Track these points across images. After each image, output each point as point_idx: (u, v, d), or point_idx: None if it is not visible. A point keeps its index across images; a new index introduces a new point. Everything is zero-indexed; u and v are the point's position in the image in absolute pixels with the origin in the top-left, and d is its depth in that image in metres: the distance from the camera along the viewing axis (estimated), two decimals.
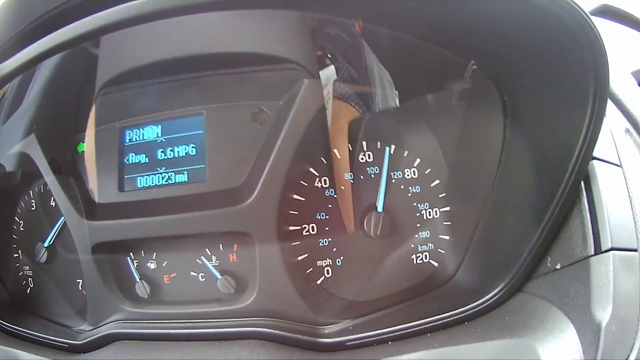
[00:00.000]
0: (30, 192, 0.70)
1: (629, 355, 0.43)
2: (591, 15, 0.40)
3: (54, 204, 0.67)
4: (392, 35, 0.60)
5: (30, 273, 0.70)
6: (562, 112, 0.47)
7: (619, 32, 0.84)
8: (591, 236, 0.46)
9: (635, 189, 0.50)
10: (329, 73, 0.61)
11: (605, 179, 0.48)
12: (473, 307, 0.53)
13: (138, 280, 0.61)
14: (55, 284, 0.69)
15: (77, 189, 0.62)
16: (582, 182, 0.47)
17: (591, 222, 0.46)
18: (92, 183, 0.62)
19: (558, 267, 0.49)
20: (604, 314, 0.43)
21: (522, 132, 0.53)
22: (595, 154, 0.47)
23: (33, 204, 0.70)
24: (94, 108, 0.63)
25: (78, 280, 0.66)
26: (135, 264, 0.62)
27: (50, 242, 0.67)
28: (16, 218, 0.71)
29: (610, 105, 0.61)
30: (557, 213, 0.48)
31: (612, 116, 0.58)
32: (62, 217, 0.65)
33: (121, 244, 0.61)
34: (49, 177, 0.63)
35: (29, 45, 0.45)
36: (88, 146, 0.63)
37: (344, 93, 0.63)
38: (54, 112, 0.69)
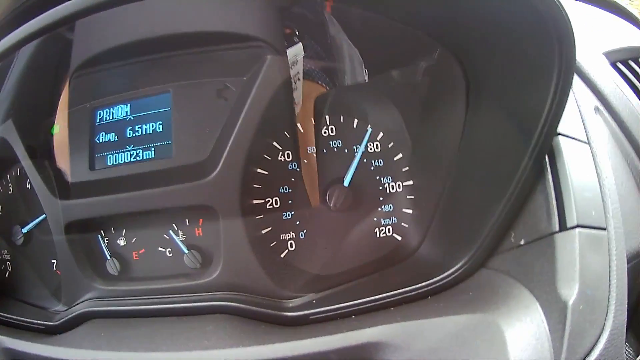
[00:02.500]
0: (7, 176, 0.71)
1: (599, 337, 0.43)
2: None
3: (29, 186, 0.69)
4: (362, 15, 0.62)
5: (8, 257, 0.72)
6: (526, 87, 0.47)
7: (592, 13, 0.85)
8: (556, 212, 0.46)
9: (604, 167, 0.50)
10: (296, 50, 0.62)
11: (571, 155, 0.47)
12: (436, 282, 0.53)
13: (109, 257, 0.62)
14: (32, 266, 0.70)
15: (51, 170, 0.64)
16: (546, 158, 0.47)
17: (556, 198, 0.46)
18: (64, 163, 0.63)
19: (522, 242, 0.49)
20: (570, 292, 0.42)
21: (485, 107, 0.54)
22: (561, 130, 0.47)
23: (10, 188, 0.71)
24: (66, 90, 0.65)
25: (53, 261, 0.68)
26: (105, 241, 0.63)
27: (23, 222, 0.68)
28: None
29: (580, 84, 0.61)
30: (520, 188, 0.48)
31: (581, 94, 0.58)
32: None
33: (92, 221, 0.62)
34: (25, 160, 0.65)
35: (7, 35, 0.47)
36: (60, 127, 0.64)
37: (312, 71, 0.64)
38: (31, 97, 0.70)
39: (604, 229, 0.47)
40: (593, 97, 0.62)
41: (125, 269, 0.63)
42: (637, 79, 0.72)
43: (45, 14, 0.45)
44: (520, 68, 0.47)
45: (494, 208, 0.50)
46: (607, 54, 0.71)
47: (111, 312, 0.60)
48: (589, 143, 0.51)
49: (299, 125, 0.60)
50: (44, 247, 0.68)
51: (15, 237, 0.69)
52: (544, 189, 0.47)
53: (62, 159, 0.63)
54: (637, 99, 0.67)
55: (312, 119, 0.60)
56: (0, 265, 0.73)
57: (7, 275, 0.72)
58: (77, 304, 0.62)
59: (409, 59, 0.64)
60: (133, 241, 0.62)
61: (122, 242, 0.63)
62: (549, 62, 0.42)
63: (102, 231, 0.63)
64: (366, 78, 0.65)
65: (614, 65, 0.70)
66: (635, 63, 0.74)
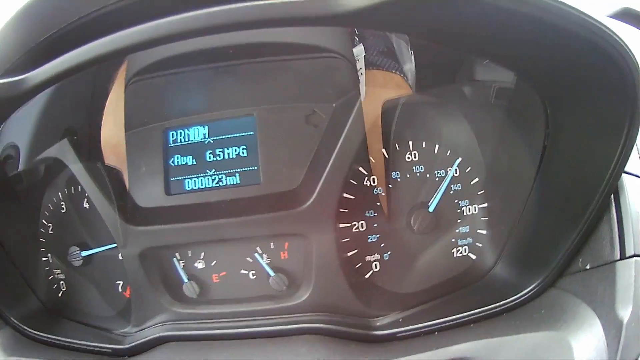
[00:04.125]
0: (59, 194, 0.67)
1: None
2: (610, 18, 0.43)
3: (87, 205, 0.65)
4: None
5: (62, 276, 0.69)
6: (600, 130, 0.52)
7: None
8: (617, 243, 0.51)
9: None
10: (358, 51, 0.62)
11: (632, 191, 0.53)
12: (511, 301, 0.57)
13: (186, 280, 0.62)
14: (91, 286, 0.68)
15: (116, 192, 0.61)
16: (612, 194, 0.53)
17: (618, 231, 0.52)
18: (134, 186, 0.61)
19: (588, 267, 0.55)
20: (625, 313, 0.48)
21: (562, 143, 0.57)
22: (625, 168, 0.52)
23: (63, 206, 0.67)
24: (123, 100, 0.61)
25: (118, 282, 0.66)
26: (182, 264, 0.62)
27: (81, 242, 0.66)
28: (43, 221, 0.68)
29: None
30: (590, 220, 0.52)
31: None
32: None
33: (168, 247, 0.61)
34: (85, 181, 0.61)
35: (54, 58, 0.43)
36: (127, 147, 0.61)
37: (382, 62, 0.65)
38: (74, 100, 0.67)
39: None
40: None
41: (204, 291, 0.62)
42: None
43: (102, 41, 0.42)
44: (598, 112, 0.51)
45: (566, 236, 0.54)
46: None
47: (191, 335, 0.60)
48: None
49: (383, 150, 0.61)
50: (106, 268, 0.66)
51: (73, 259, 0.66)
52: (609, 221, 0.53)
53: (131, 182, 0.61)
54: None
55: (396, 144, 0.61)
56: (53, 285, 0.69)
57: (60, 295, 0.69)
58: (150, 327, 0.62)
59: (474, 75, 0.66)
60: (213, 264, 0.62)
61: (200, 265, 0.62)
62: (623, 110, 0.46)
63: (177, 254, 0.62)
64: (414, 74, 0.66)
65: None
66: None
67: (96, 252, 0.65)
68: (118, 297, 0.66)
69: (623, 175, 0.53)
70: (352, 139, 0.56)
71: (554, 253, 0.56)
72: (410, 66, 0.66)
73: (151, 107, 0.61)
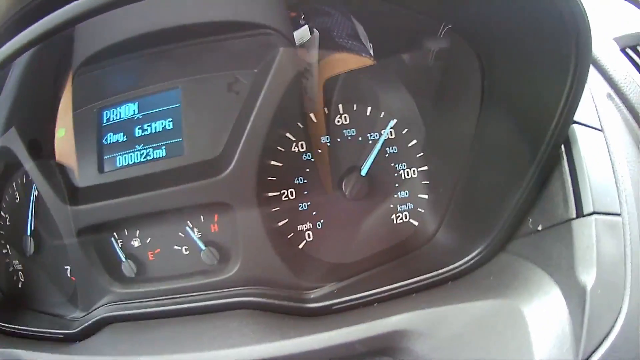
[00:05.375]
0: (14, 184, 0.70)
1: (616, 320, 0.43)
2: None
3: (36, 192, 0.68)
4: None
5: (20, 267, 0.70)
6: (543, 77, 0.48)
7: None
8: (572, 199, 0.46)
9: (617, 153, 0.51)
10: (302, 32, 0.61)
11: (586, 143, 0.48)
12: (456, 267, 0.53)
13: (124, 259, 0.61)
14: (45, 274, 0.69)
15: (59, 175, 0.63)
16: (562, 146, 0.48)
17: (572, 185, 0.47)
18: (72, 167, 0.62)
19: (539, 228, 0.50)
20: (588, 278, 0.43)
21: (500, 95, 0.54)
22: (576, 118, 0.48)
23: (17, 196, 0.70)
24: (69, 90, 0.63)
25: (66, 267, 0.67)
26: (119, 243, 0.62)
27: (32, 230, 0.67)
28: (1, 213, 0.71)
29: (592, 71, 0.61)
30: (538, 175, 0.48)
31: (593, 81, 0.58)
32: (34, 203, 0.66)
33: (105, 225, 0.61)
34: (30, 168, 0.63)
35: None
36: (66, 130, 0.63)
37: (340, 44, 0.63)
38: (33, 101, 0.69)
39: (619, 215, 0.47)
40: (605, 83, 0.62)
41: (141, 270, 0.62)
42: None
43: (49, 17, 0.44)
44: (536, 57, 0.48)
45: (511, 195, 0.50)
46: (617, 40, 0.71)
47: (131, 315, 0.59)
48: (602, 130, 0.51)
49: (311, 115, 0.59)
50: (56, 254, 0.67)
51: (26, 247, 0.68)
52: (561, 176, 0.48)
53: (69, 163, 0.62)
54: None
55: (324, 108, 0.60)
56: (13, 276, 0.71)
57: (19, 285, 0.71)
58: (95, 309, 0.62)
59: (417, 42, 0.64)
60: (148, 241, 0.61)
61: (136, 243, 0.62)
62: (566, 53, 0.43)
63: (114, 233, 0.62)
64: (371, 53, 0.64)
65: (623, 51, 0.70)
66: None
67: (45, 235, 0.67)
68: (67, 282, 0.67)
69: (575, 126, 0.48)
70: (269, 103, 0.54)
71: (499, 213, 0.51)
72: (366, 41, 0.65)
73: (90, 93, 0.63)
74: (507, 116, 0.53)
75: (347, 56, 0.63)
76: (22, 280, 0.71)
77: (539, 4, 0.42)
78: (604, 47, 0.65)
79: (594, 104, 0.53)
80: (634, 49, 0.72)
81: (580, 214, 0.46)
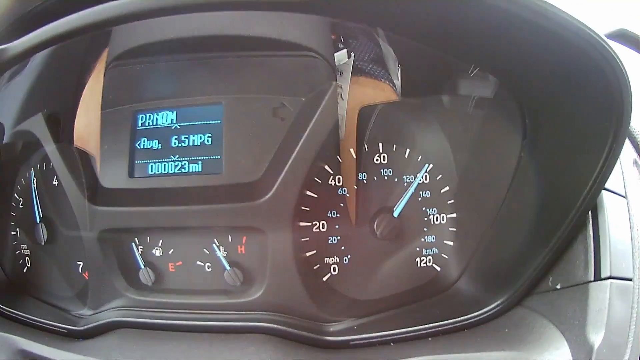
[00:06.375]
0: (32, 169, 0.68)
1: None
2: (608, 39, 0.41)
3: (56, 182, 0.65)
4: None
5: (27, 252, 0.69)
6: (581, 144, 0.49)
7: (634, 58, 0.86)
8: (592, 263, 0.49)
9: (637, 220, 0.53)
10: (341, 56, 0.62)
11: (611, 210, 0.50)
12: (474, 317, 0.54)
13: (142, 267, 0.61)
14: (54, 265, 0.68)
15: (84, 171, 0.61)
16: (589, 211, 0.50)
17: (594, 250, 0.49)
18: (100, 166, 0.60)
19: (558, 287, 0.52)
20: (597, 338, 0.45)
21: (538, 155, 0.55)
22: (606, 185, 0.49)
23: (35, 182, 0.68)
24: (100, 83, 0.61)
25: (79, 263, 0.65)
26: (140, 250, 0.61)
27: (41, 218, 0.65)
28: (15, 195, 0.69)
29: None
30: (564, 238, 0.50)
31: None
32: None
33: (127, 229, 0.60)
34: (56, 159, 0.61)
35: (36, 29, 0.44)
36: (97, 127, 0.61)
37: (371, 70, 0.63)
38: (59, 86, 0.67)
39: (631, 280, 0.49)
40: (632, 149, 0.63)
41: (159, 280, 0.61)
42: None
43: (83, 13, 0.42)
44: (577, 124, 0.49)
45: (536, 253, 0.52)
46: None
47: (143, 323, 0.59)
48: (626, 197, 0.53)
49: (351, 150, 0.59)
50: (69, 247, 0.66)
51: (39, 235, 0.66)
52: (584, 239, 0.50)
53: (97, 162, 0.60)
54: None
55: (365, 145, 0.60)
56: (19, 260, 0.70)
57: (25, 270, 0.69)
58: (105, 311, 0.61)
59: (454, 86, 0.65)
60: (170, 252, 0.61)
61: (157, 253, 0.61)
62: (607, 124, 0.44)
63: (136, 239, 0.61)
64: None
65: None
66: None
67: (60, 227, 0.65)
68: (78, 278, 0.66)
69: (603, 192, 0.50)
70: (316, 135, 0.54)
71: (522, 270, 0.53)
72: (396, 74, 0.65)
73: (125, 91, 0.61)
74: (543, 177, 0.55)
75: (377, 85, 0.63)
76: (28, 265, 0.69)
77: (588, 75, 0.43)
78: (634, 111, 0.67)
79: (621, 171, 0.55)
80: None
81: (597, 277, 0.48)
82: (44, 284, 0.68)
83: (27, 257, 0.69)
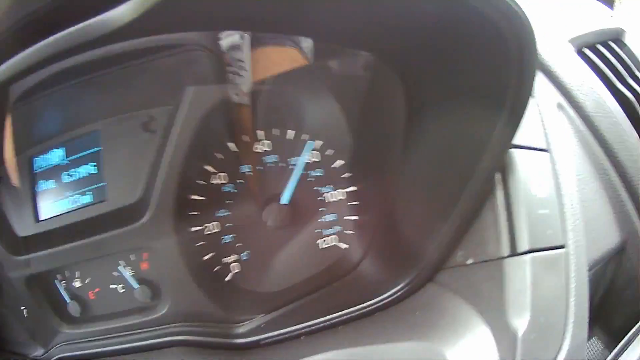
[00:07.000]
0: None
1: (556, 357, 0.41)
2: None
3: None
4: None
5: None
6: (473, 105, 0.44)
7: None
8: (506, 235, 0.43)
9: (564, 175, 0.47)
10: (230, 40, 0.58)
11: (527, 169, 0.44)
12: (381, 300, 0.52)
13: (68, 300, 0.63)
14: (7, 314, 0.72)
15: (2, 224, 0.64)
16: (500, 174, 0.44)
17: (507, 220, 0.43)
18: (12, 216, 0.63)
19: (469, 262, 0.46)
20: (520, 322, 0.40)
21: (427, 119, 0.51)
22: (517, 141, 0.43)
23: None
24: (8, 130, 0.63)
25: (23, 308, 0.69)
26: (62, 285, 0.63)
27: None
28: None
29: (542, 79, 0.56)
30: (467, 209, 0.45)
31: (543, 91, 0.54)
32: None
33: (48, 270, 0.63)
34: None
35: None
36: (4, 177, 0.64)
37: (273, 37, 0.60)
38: None
39: (562, 247, 0.44)
40: (556, 92, 0.57)
41: (85, 309, 0.63)
42: (606, 64, 0.65)
43: None
44: (470, 75, 0.43)
45: (438, 226, 0.47)
46: (573, 41, 0.65)
47: (81, 355, 0.61)
48: (548, 150, 0.47)
49: (229, 144, 0.58)
50: (12, 295, 0.70)
51: None
52: (493, 208, 0.44)
53: (8, 212, 0.63)
54: (605, 88, 0.61)
55: (244, 137, 0.59)
56: None
57: None
58: (52, 349, 0.64)
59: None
60: (87, 281, 0.62)
61: (77, 284, 0.63)
62: (505, 69, 0.38)
63: (57, 275, 0.64)
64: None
65: (580, 52, 0.65)
66: (604, 47, 0.67)
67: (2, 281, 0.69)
68: (26, 322, 0.69)
69: (514, 150, 0.44)
70: (182, 140, 0.54)
71: (425, 246, 0.49)
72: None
73: (20, 137, 0.64)
74: (435, 143, 0.50)
75: (282, 52, 0.59)
76: None
77: (477, 27, 0.36)
78: (557, 50, 0.60)
79: (541, 120, 0.49)
80: (592, 48, 0.67)
81: (514, 252, 0.42)
82: (3, 332, 0.72)
83: None
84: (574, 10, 0.76)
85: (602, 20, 0.75)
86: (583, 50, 0.67)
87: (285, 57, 0.60)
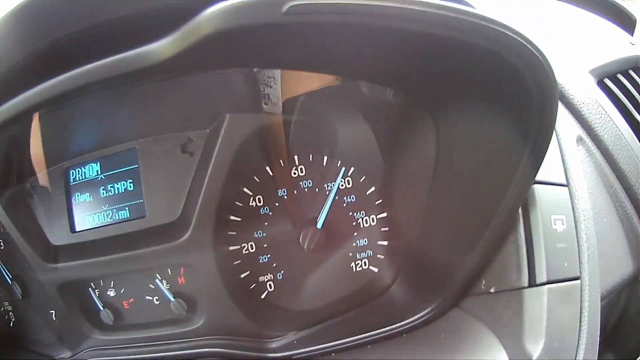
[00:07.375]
0: None
1: None
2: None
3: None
4: None
5: (10, 308, 0.75)
6: (497, 142, 0.45)
7: (578, 25, 0.77)
8: (526, 267, 0.46)
9: (582, 206, 0.49)
10: None
11: (547, 204, 0.47)
12: (409, 322, 0.55)
13: (102, 308, 0.65)
14: (35, 315, 0.74)
15: (33, 232, 0.65)
16: (520, 208, 0.46)
17: (527, 253, 0.46)
18: (47, 225, 0.64)
19: (492, 290, 0.50)
20: (535, 347, 0.43)
21: (455, 152, 0.52)
22: (538, 177, 0.45)
23: (1, 244, 0.73)
24: (39, 138, 0.63)
25: (51, 311, 0.71)
26: (97, 293, 0.65)
27: (11, 278, 0.71)
28: None
29: (562, 112, 0.57)
30: (492, 240, 0.47)
31: (563, 125, 0.55)
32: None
33: (81, 278, 0.64)
34: (7, 223, 0.66)
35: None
36: (38, 187, 0.65)
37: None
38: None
39: (577, 279, 0.47)
40: (576, 125, 0.58)
41: (118, 317, 0.65)
42: (625, 95, 0.64)
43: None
44: (495, 118, 0.44)
45: (465, 255, 0.50)
46: (594, 71, 0.65)
47: None
48: (567, 185, 0.49)
49: (267, 168, 0.60)
50: (42, 299, 0.71)
51: (14, 292, 0.72)
52: (515, 240, 0.47)
53: (43, 221, 0.64)
54: (623, 120, 0.61)
55: (281, 161, 0.60)
56: (4, 316, 0.76)
57: (11, 324, 0.76)
58: (81, 352, 0.66)
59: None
60: (122, 291, 0.64)
61: (112, 293, 0.65)
62: (527, 115, 0.39)
63: (92, 284, 0.65)
64: None
65: (599, 83, 0.64)
66: (624, 76, 0.66)
67: (30, 283, 0.71)
68: (54, 325, 0.71)
69: (535, 186, 0.46)
70: (222, 164, 0.55)
71: (452, 273, 0.52)
72: None
73: (55, 149, 0.65)
74: (462, 176, 0.52)
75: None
76: (13, 319, 0.76)
77: (502, 77, 0.38)
78: (577, 83, 0.60)
79: (561, 154, 0.51)
80: (612, 78, 0.66)
81: (532, 283, 0.45)
82: (29, 334, 0.74)
83: (10, 312, 0.75)
84: (594, 37, 0.77)
85: (622, 47, 0.77)
86: (604, 80, 0.68)
87: (315, 76, 0.61)
